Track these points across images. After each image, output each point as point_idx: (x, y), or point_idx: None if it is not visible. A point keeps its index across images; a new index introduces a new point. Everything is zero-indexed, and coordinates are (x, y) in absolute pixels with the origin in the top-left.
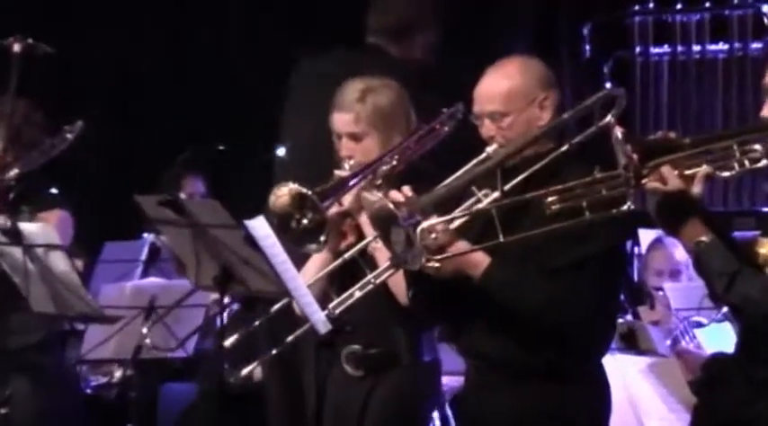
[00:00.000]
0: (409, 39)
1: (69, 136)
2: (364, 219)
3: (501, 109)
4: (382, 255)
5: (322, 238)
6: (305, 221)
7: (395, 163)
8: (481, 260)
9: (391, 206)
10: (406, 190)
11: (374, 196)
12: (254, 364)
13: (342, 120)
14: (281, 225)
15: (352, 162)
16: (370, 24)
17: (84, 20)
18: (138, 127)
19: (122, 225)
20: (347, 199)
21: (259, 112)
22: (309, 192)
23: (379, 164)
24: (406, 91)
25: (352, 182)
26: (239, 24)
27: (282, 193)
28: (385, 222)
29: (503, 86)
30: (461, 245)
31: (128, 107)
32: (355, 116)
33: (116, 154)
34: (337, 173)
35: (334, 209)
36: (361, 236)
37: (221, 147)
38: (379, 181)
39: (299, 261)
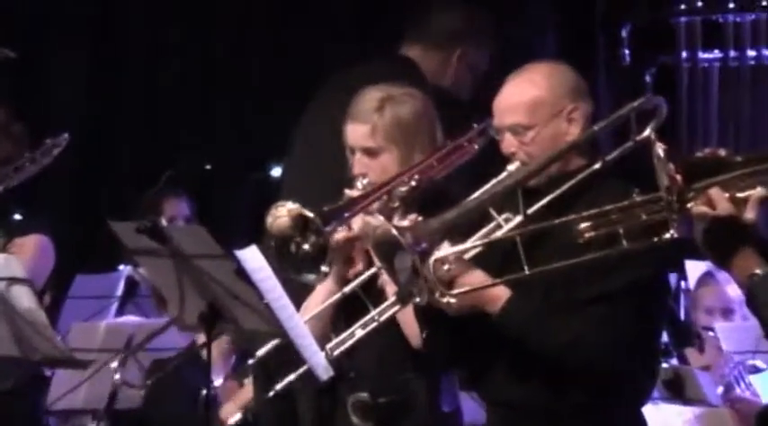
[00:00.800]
0: (453, 48)
1: (54, 150)
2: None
3: (524, 121)
4: (393, 289)
5: (324, 267)
6: (306, 246)
7: (414, 183)
8: (499, 294)
9: (394, 231)
10: (413, 216)
11: (376, 219)
12: (239, 414)
13: (356, 132)
14: (279, 249)
15: (365, 180)
16: (410, 30)
17: (55, 32)
18: (112, 144)
19: (95, 255)
20: (357, 223)
21: (250, 128)
22: (312, 214)
23: (396, 183)
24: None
25: (362, 204)
26: (226, 35)
27: (281, 214)
28: (388, 250)
29: (526, 96)
30: (477, 278)
31: (100, 122)
32: (371, 128)
33: (87, 174)
34: (348, 192)
35: (341, 234)
36: (371, 265)
37: (208, 166)
38: (395, 204)
39: (297, 293)
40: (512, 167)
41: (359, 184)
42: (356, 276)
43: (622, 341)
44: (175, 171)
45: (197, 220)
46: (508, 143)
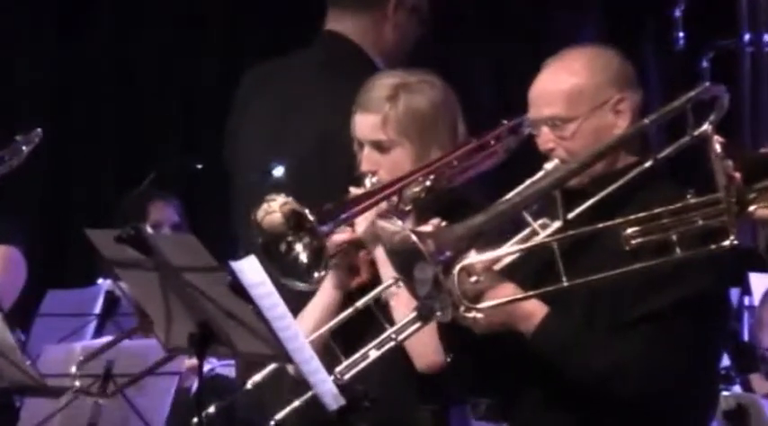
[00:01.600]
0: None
1: (24, 148)
2: (381, 255)
3: (563, 113)
4: (401, 303)
5: (317, 274)
6: (298, 247)
7: (429, 183)
8: (535, 310)
9: (414, 238)
10: (436, 220)
11: (394, 224)
12: None
13: (365, 124)
14: (267, 248)
15: (374, 179)
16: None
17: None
18: (88, 141)
19: (69, 267)
20: (361, 224)
21: None
22: (306, 211)
23: (407, 182)
24: None
25: (368, 203)
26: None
27: (273, 208)
28: (407, 259)
29: (565, 84)
30: (509, 291)
31: (74, 116)
32: (383, 119)
33: (60, 175)
34: (352, 190)
35: (342, 236)
36: (376, 275)
37: (199, 165)
38: (407, 207)
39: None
40: (549, 165)
41: (367, 183)
42: (360, 287)
43: (675, 366)
44: (162, 171)
45: (187, 227)
46: (545, 138)
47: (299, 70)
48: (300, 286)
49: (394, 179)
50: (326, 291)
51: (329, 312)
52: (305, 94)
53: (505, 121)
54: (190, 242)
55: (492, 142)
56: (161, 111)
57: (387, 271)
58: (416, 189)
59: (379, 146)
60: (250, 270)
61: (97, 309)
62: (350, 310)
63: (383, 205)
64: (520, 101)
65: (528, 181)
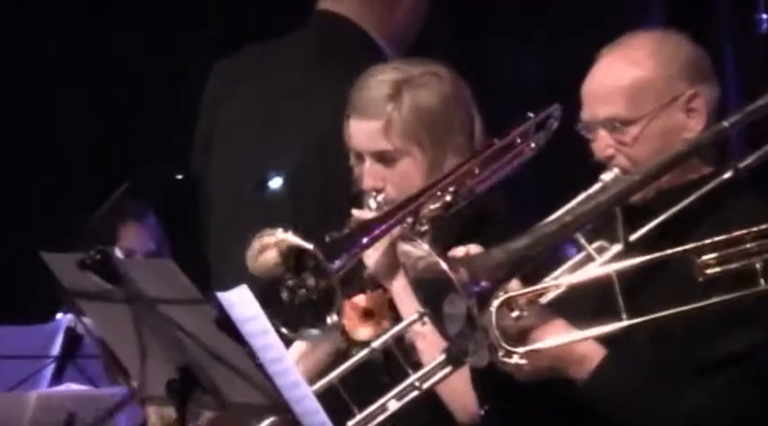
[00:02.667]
0: None
1: None
2: (400, 288)
3: (623, 113)
4: (429, 344)
5: (330, 319)
6: (303, 291)
7: (449, 198)
8: (589, 352)
9: (444, 265)
10: (473, 247)
11: (418, 248)
12: None
13: (364, 132)
14: (266, 296)
15: (380, 197)
16: None
17: None
18: (46, 146)
19: (21, 299)
20: (372, 257)
21: None
22: (310, 246)
23: (423, 200)
24: None
25: (379, 230)
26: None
27: (266, 246)
28: (435, 290)
29: (626, 79)
30: (558, 330)
31: (28, 116)
32: (385, 124)
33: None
34: (356, 214)
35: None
36: (396, 314)
37: (179, 175)
38: (423, 228)
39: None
40: (607, 177)
41: (371, 203)
42: (379, 335)
43: (761, 419)
44: (135, 182)
45: (167, 254)
46: (603, 143)
47: (288, 58)
48: (314, 334)
49: (408, 196)
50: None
51: (329, 355)
52: (297, 88)
53: (531, 114)
54: (168, 268)
55: (518, 140)
56: (136, 111)
57: (408, 309)
58: (434, 206)
59: (383, 158)
60: (241, 302)
61: (55, 350)
62: (365, 352)
63: (395, 229)
64: (572, 99)
65: (581, 196)
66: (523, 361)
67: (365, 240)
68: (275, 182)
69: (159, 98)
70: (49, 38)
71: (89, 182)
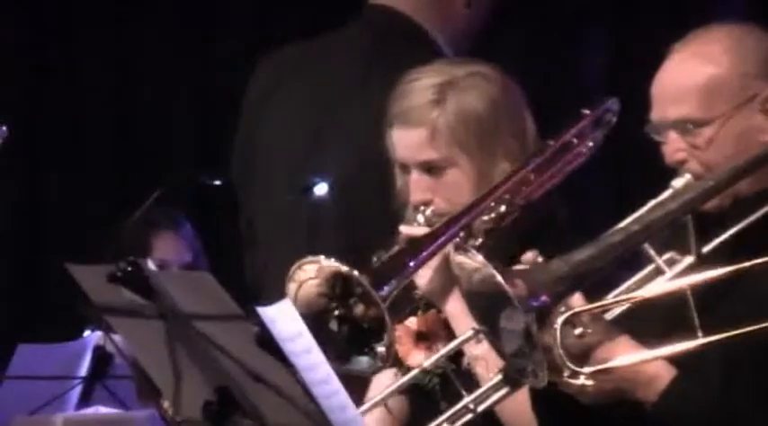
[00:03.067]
0: None
1: None
2: (456, 309)
3: (696, 114)
4: (486, 366)
5: (380, 348)
6: (350, 320)
7: (504, 208)
8: (658, 372)
9: (500, 278)
10: (530, 255)
11: (474, 259)
12: None
13: (408, 142)
14: (312, 327)
15: (429, 210)
16: None
17: None
18: (73, 152)
19: (47, 316)
20: (424, 276)
21: None
22: (355, 273)
23: (476, 213)
24: None
25: (430, 249)
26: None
27: (308, 276)
28: (491, 305)
29: (699, 76)
30: (625, 348)
31: (51, 121)
32: (430, 132)
33: (35, 194)
34: (404, 230)
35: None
36: (452, 335)
37: (217, 181)
38: (478, 241)
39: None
40: (678, 183)
41: (419, 217)
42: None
43: None
44: (169, 188)
45: (205, 267)
46: (674, 146)
47: (338, 57)
48: (364, 366)
49: (459, 212)
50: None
51: (396, 379)
52: (347, 90)
53: (587, 111)
54: (205, 281)
55: (575, 141)
56: (168, 113)
57: (463, 329)
58: (488, 217)
59: (431, 168)
60: (283, 318)
61: (83, 370)
62: (415, 372)
63: (448, 245)
64: (639, 99)
65: (650, 204)
66: (588, 382)
67: (415, 262)
68: (320, 189)
69: (190, 102)
70: (74, 44)
71: (119, 190)
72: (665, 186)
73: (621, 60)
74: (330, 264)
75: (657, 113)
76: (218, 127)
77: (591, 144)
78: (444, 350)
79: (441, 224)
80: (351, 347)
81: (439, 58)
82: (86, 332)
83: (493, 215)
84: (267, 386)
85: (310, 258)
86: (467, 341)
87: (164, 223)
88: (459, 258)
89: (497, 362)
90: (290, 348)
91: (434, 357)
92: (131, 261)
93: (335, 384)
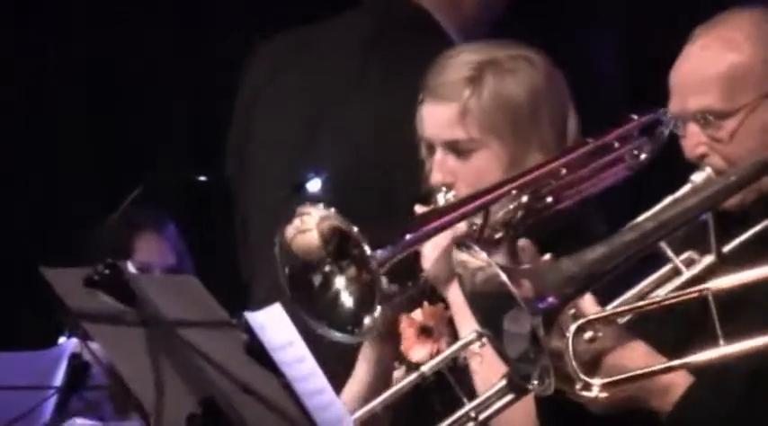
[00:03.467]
0: None
1: None
2: (458, 299)
3: (718, 104)
4: (486, 367)
5: (368, 319)
6: (339, 281)
7: (525, 199)
8: (674, 380)
9: (504, 277)
10: (525, 244)
11: (476, 256)
12: None
13: (437, 118)
14: (297, 279)
15: (450, 194)
16: None
17: None
18: (47, 146)
19: (19, 322)
20: (429, 255)
21: None
22: (354, 229)
23: (496, 197)
24: None
25: (440, 222)
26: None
27: (308, 225)
28: (494, 306)
29: (721, 64)
30: (639, 354)
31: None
32: (461, 110)
33: (5, 192)
34: (419, 210)
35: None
36: (455, 332)
37: (202, 177)
38: (498, 235)
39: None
40: (698, 177)
41: (440, 199)
42: (434, 356)
43: None
44: (151, 185)
45: (190, 268)
46: (694, 139)
47: (335, 47)
48: (340, 337)
49: (476, 192)
50: (367, 364)
51: (378, 379)
52: (343, 83)
53: (635, 116)
54: (189, 286)
55: (616, 144)
56: (153, 107)
57: (467, 323)
58: (510, 206)
59: (457, 149)
60: (274, 324)
61: (58, 380)
62: (413, 376)
63: (461, 227)
64: (656, 89)
65: (667, 200)
66: (603, 395)
67: (418, 233)
68: (314, 185)
69: (178, 98)
70: (50, 39)
71: (96, 188)
72: (684, 181)
73: (635, 60)
74: (330, 214)
75: (677, 104)
76: (206, 122)
77: (636, 153)
78: (444, 354)
79: (454, 201)
80: (334, 310)
81: (446, 46)
82: (62, 340)
83: (515, 205)
84: (256, 397)
85: (310, 207)
86: (468, 344)
87: (146, 223)
88: (462, 255)
89: (494, 358)
90: (280, 357)
91: (432, 362)
92: (110, 263)
93: (330, 395)
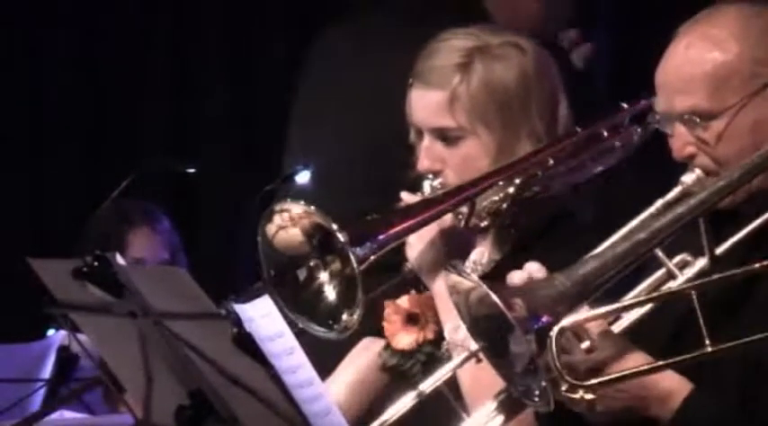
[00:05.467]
0: None
1: None
2: (440, 288)
3: (705, 104)
4: (479, 372)
5: (345, 316)
6: (323, 276)
7: (512, 190)
8: (673, 387)
9: (497, 299)
10: (533, 266)
11: (468, 279)
12: None
13: (425, 103)
14: (279, 275)
15: (437, 181)
16: None
17: None
18: (35, 138)
19: (7, 314)
20: (414, 248)
21: (256, 113)
22: (333, 226)
23: (482, 188)
24: None
25: (424, 215)
26: None
27: (288, 221)
28: (490, 327)
29: (708, 63)
30: (635, 361)
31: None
32: (450, 97)
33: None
34: (405, 198)
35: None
36: (438, 323)
37: (190, 169)
38: (484, 223)
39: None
40: (688, 179)
41: (426, 187)
42: (421, 345)
43: None
44: (142, 176)
45: (184, 263)
46: (681, 140)
47: (370, 30)
48: (320, 332)
49: (463, 183)
50: (359, 359)
51: (362, 388)
52: (377, 65)
53: (625, 104)
54: (178, 277)
55: (605, 133)
56: (142, 97)
57: (449, 313)
58: (495, 197)
59: (445, 136)
60: (263, 316)
61: (47, 372)
62: (413, 395)
63: (447, 219)
64: (642, 86)
65: (658, 203)
66: (596, 398)
67: (402, 226)
68: (303, 177)
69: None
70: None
71: (86, 178)
72: (674, 183)
73: (625, 63)
74: (310, 211)
75: (663, 104)
76: (193, 114)
77: (626, 142)
78: (443, 370)
79: (439, 193)
80: (317, 304)
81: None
82: (50, 332)
83: (501, 195)
84: (245, 389)
85: (290, 203)
86: (465, 361)
87: (139, 219)
88: (453, 278)
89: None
90: (270, 348)
91: (431, 379)
92: (98, 255)
93: (319, 387)
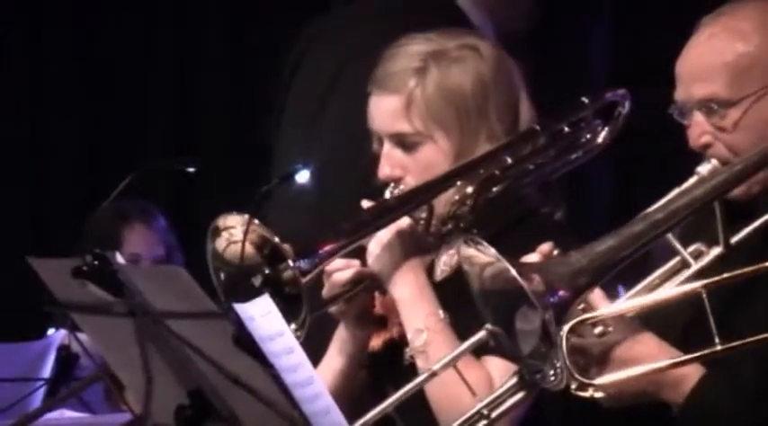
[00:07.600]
0: None
1: None
2: (406, 295)
3: (723, 93)
4: (427, 359)
5: (294, 326)
6: (277, 283)
7: (470, 190)
8: (685, 372)
9: (515, 272)
10: (546, 247)
11: (485, 253)
12: None
13: (383, 109)
14: (234, 283)
15: (397, 189)
16: None
17: None
18: (36, 140)
19: (7, 314)
20: (373, 253)
21: (256, 112)
22: (275, 239)
23: (441, 189)
24: None
25: (373, 225)
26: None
27: (236, 237)
28: (504, 303)
29: (728, 53)
30: (649, 347)
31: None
32: (406, 101)
33: None
34: (366, 205)
35: (344, 274)
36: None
37: (190, 169)
38: (447, 225)
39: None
40: (704, 169)
41: (387, 194)
42: (387, 344)
43: None
44: (141, 176)
45: (180, 260)
46: (699, 129)
47: (355, 26)
48: None
49: (416, 187)
50: (331, 358)
51: (342, 381)
52: (353, 64)
53: (585, 100)
54: (178, 276)
55: (565, 129)
56: (142, 97)
57: (412, 318)
58: (455, 198)
59: (403, 142)
60: (263, 315)
61: (47, 371)
62: (425, 376)
63: (404, 223)
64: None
65: (674, 192)
66: (599, 394)
67: (350, 238)
68: (302, 176)
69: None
70: (43, 32)
71: (85, 180)
72: (690, 173)
73: (625, 58)
74: (253, 225)
75: (682, 93)
76: (193, 113)
77: (590, 137)
78: (455, 352)
79: (392, 197)
80: None
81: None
82: (50, 331)
83: (460, 195)
84: (245, 388)
85: (232, 218)
86: (477, 343)
87: (135, 215)
88: (469, 251)
89: (438, 355)
90: (269, 347)
91: (442, 361)
92: (98, 254)
93: (319, 386)
